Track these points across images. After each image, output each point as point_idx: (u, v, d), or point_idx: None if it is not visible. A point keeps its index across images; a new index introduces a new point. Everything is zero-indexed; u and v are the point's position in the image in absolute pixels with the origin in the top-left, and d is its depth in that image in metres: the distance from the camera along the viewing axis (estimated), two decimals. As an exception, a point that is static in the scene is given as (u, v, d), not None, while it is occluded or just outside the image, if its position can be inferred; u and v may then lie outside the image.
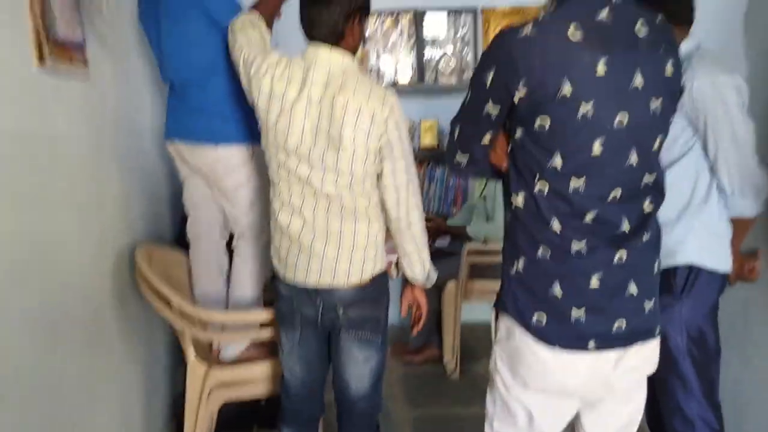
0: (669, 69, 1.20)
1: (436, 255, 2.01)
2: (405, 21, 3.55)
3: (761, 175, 1.57)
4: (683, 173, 1.61)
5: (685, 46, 1.61)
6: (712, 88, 1.52)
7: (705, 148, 1.59)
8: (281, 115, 1.61)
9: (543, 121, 1.17)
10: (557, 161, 1.18)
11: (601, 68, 1.13)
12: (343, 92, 1.56)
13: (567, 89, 1.13)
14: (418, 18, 3.53)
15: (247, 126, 2.04)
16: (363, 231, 1.67)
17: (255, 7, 1.89)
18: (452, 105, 3.73)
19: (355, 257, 1.67)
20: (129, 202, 2.24)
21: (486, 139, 1.31)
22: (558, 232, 1.22)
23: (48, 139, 1.72)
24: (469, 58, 3.56)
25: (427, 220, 3.35)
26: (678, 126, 1.57)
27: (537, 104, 1.17)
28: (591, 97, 1.13)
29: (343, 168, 1.59)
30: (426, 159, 3.62)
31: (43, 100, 1.69)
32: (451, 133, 1.39)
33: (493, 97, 1.23)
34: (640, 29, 1.17)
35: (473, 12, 3.53)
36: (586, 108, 1.14)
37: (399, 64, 3.54)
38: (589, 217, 1.21)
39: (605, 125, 1.16)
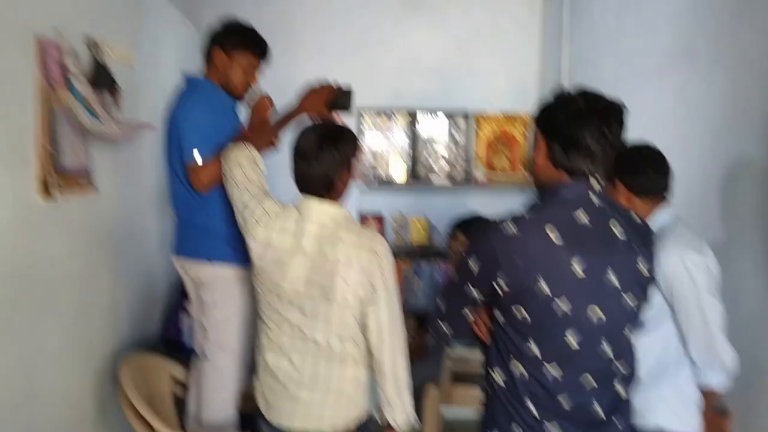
0: (642, 266, 1.32)
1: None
2: (400, 120, 3.69)
3: (729, 353, 1.61)
4: (655, 340, 1.66)
5: (661, 218, 1.70)
6: (684, 267, 1.59)
7: (674, 318, 1.65)
8: (276, 265, 1.67)
9: (521, 312, 1.28)
10: (534, 348, 1.29)
11: (577, 267, 1.24)
12: (334, 244, 1.63)
13: (544, 286, 1.24)
14: (412, 118, 3.68)
15: (238, 248, 2.09)
16: (351, 376, 1.69)
17: (247, 138, 1.97)
18: (443, 203, 3.85)
19: (341, 403, 1.68)
20: (118, 310, 2.30)
21: (470, 315, 1.42)
22: (533, 414, 1.30)
23: (46, 260, 1.79)
24: (461, 159, 3.69)
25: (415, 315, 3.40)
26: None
27: (516, 297, 1.28)
28: (566, 294, 1.24)
29: (333, 317, 1.64)
30: (415, 255, 3.69)
31: (46, 228, 1.78)
32: (437, 306, 1.49)
33: (476, 284, 1.35)
34: (616, 229, 1.29)
35: (466, 116, 3.68)
36: (561, 304, 1.24)
37: (392, 162, 3.66)
38: (563, 402, 1.29)
39: (580, 319, 1.26)
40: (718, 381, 1.67)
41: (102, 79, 2.00)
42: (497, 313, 1.35)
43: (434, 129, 3.70)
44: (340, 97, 2.09)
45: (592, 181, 1.31)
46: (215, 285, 2.10)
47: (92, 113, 1.88)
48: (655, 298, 1.64)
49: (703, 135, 2.03)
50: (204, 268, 2.10)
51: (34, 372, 1.74)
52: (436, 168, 3.69)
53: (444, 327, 1.47)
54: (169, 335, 2.65)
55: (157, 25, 2.70)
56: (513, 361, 1.32)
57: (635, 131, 2.29)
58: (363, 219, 3.66)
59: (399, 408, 1.69)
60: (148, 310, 2.61)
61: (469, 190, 3.74)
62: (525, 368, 1.30)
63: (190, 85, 2.15)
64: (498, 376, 1.35)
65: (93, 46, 2.00)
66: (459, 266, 1.40)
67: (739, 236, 1.83)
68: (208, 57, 2.16)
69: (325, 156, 1.65)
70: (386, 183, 3.62)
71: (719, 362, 1.61)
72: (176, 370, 2.36)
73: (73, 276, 1.95)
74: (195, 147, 1.99)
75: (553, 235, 1.24)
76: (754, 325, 1.74)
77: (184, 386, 2.34)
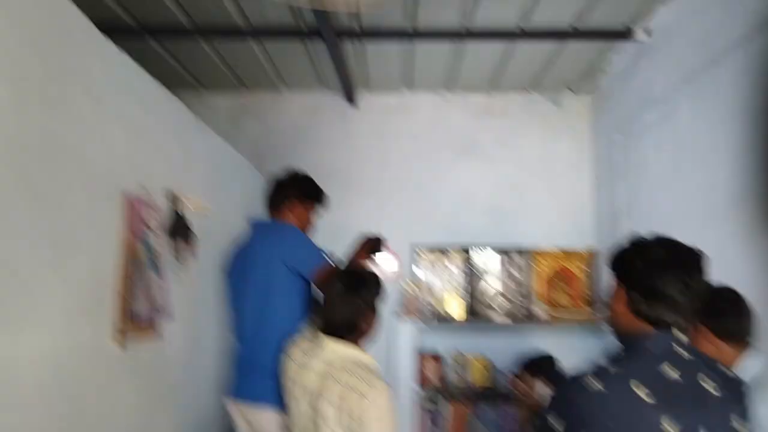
0: (737, 424, 1.22)
1: None
2: (457, 258, 3.71)
3: None
4: None
5: (752, 365, 1.61)
6: None
7: None
8: (290, 396, 1.79)
9: None
10: None
11: (668, 428, 1.15)
12: (329, 385, 1.67)
13: None
14: (470, 255, 3.69)
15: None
16: None
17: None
18: (503, 343, 3.74)
19: None
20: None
21: None
22: None
23: (109, 409, 1.79)
24: (520, 296, 3.63)
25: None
26: None
27: None
28: None
29: None
30: (476, 397, 3.53)
31: (117, 376, 1.80)
32: None
33: None
34: (707, 384, 1.21)
35: (523, 252, 3.68)
36: None
37: (449, 299, 3.62)
38: None
39: None
40: None
41: (179, 230, 2.12)
42: None
43: (491, 265, 3.70)
44: (376, 245, 2.42)
45: (676, 331, 1.26)
46: (270, 429, 2.06)
47: (156, 268, 1.97)
48: None
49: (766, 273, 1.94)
50: (266, 414, 2.06)
51: None
52: (494, 305, 3.63)
53: None
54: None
55: (230, 174, 2.88)
56: None
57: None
58: (421, 358, 3.57)
59: None
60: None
61: (530, 328, 3.63)
62: None
63: (276, 225, 2.33)
64: None
65: (172, 198, 2.14)
66: (539, 425, 1.31)
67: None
68: (280, 205, 2.34)
69: (348, 302, 1.77)
70: (444, 320, 3.56)
71: None
72: None
73: (135, 421, 1.93)
74: (322, 253, 2.22)
75: (642, 393, 1.17)
76: None
77: None
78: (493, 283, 3.69)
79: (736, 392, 1.27)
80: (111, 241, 1.78)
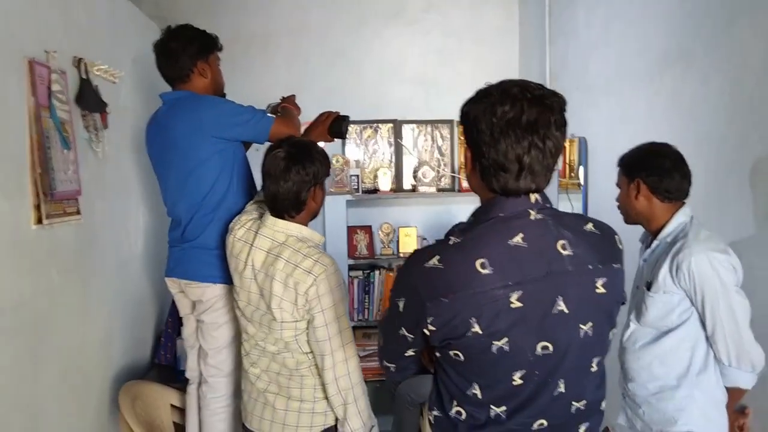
0: (602, 286, 1.11)
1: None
2: (384, 131, 3.67)
3: (756, 350, 1.62)
4: (681, 342, 1.66)
5: (680, 220, 1.71)
6: (710, 267, 1.58)
7: (702, 320, 1.65)
8: (235, 274, 1.76)
9: (457, 355, 1.10)
10: (476, 390, 1.11)
11: (515, 300, 1.04)
12: (274, 262, 1.65)
13: (477, 328, 1.05)
14: (397, 128, 3.66)
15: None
16: (309, 385, 1.71)
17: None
18: (431, 212, 3.83)
19: (303, 409, 1.72)
20: (112, 340, 2.21)
21: (409, 352, 1.23)
22: None
23: (41, 290, 1.71)
24: (445, 167, 3.68)
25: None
26: (675, 297, 1.65)
27: (448, 340, 1.09)
28: (505, 332, 1.05)
29: (278, 332, 1.67)
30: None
31: (39, 256, 1.70)
32: (378, 339, 1.33)
33: (405, 325, 1.16)
34: (564, 247, 1.09)
35: (449, 124, 3.68)
36: (500, 343, 1.06)
37: (378, 173, 3.62)
38: None
39: (525, 356, 1.07)
40: (746, 380, 1.67)
41: (88, 98, 1.93)
42: (436, 351, 1.16)
43: (417, 136, 3.69)
44: (338, 125, 2.19)
45: (533, 195, 1.11)
46: (216, 305, 2.03)
47: (66, 142, 1.80)
48: (682, 302, 1.64)
49: (698, 136, 2.04)
50: (205, 289, 2.02)
51: (34, 407, 1.66)
52: (422, 177, 3.66)
53: (387, 363, 1.29)
54: (162, 361, 2.55)
55: (140, 41, 2.62)
56: (453, 404, 1.15)
57: (627, 135, 2.31)
58: (351, 230, 3.62)
59: (355, 417, 1.68)
60: (140, 336, 2.52)
61: (455, 197, 3.72)
62: (467, 411, 1.13)
63: (187, 96, 2.07)
64: (438, 414, 1.18)
65: (78, 64, 1.93)
66: (390, 303, 1.19)
67: (745, 233, 1.84)
68: (189, 73, 2.09)
69: (294, 176, 1.67)
70: (372, 193, 3.57)
71: (748, 361, 1.62)
72: (173, 396, 2.27)
73: (67, 306, 1.86)
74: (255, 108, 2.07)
75: (484, 267, 1.04)
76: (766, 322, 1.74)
77: (182, 412, 2.26)
78: (420, 155, 3.70)
79: (604, 250, 1.15)
80: (17, 112, 1.61)
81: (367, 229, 3.66)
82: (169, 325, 2.57)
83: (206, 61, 2.12)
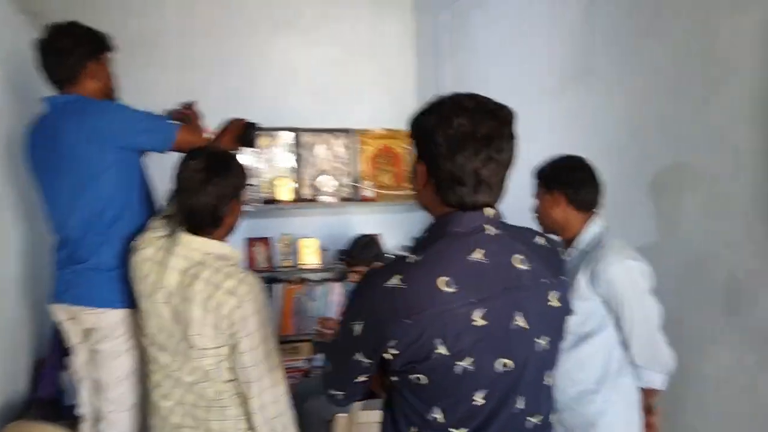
0: (555, 299, 1.12)
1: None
2: (284, 140, 3.57)
3: (668, 351, 1.74)
4: (599, 347, 1.74)
5: (592, 230, 1.79)
6: (626, 274, 1.68)
7: (618, 325, 1.73)
8: (142, 299, 1.62)
9: (418, 379, 1.07)
10: (437, 414, 1.08)
11: (478, 318, 1.03)
12: (194, 285, 1.51)
13: (442, 349, 1.02)
14: (297, 137, 3.57)
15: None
16: (231, 416, 1.57)
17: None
18: (331, 223, 3.80)
19: None
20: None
21: (361, 378, 1.16)
22: None
23: None
24: (346, 177, 3.65)
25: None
26: (593, 303, 1.72)
27: (412, 363, 1.05)
28: (468, 351, 1.03)
29: (196, 360, 1.53)
30: (306, 278, 3.58)
31: None
32: (324, 367, 1.24)
33: (363, 350, 1.09)
34: (520, 262, 1.09)
35: (349, 131, 3.65)
36: (464, 363, 1.03)
37: (276, 182, 3.50)
38: None
39: (487, 375, 1.06)
40: (658, 380, 1.78)
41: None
42: (393, 377, 1.11)
43: (317, 146, 3.63)
44: (247, 133, 2.06)
45: (487, 210, 1.11)
46: (116, 333, 1.84)
47: None
48: (599, 308, 1.72)
49: (601, 148, 2.13)
50: (102, 315, 1.82)
51: None
52: (321, 186, 3.60)
53: (333, 391, 1.21)
54: (44, 395, 2.27)
55: (12, 39, 2.33)
56: (412, 430, 1.11)
57: (529, 154, 2.40)
58: (250, 242, 3.47)
59: None
60: (14, 368, 2.22)
61: (356, 208, 3.70)
62: None
63: (79, 100, 1.86)
64: None
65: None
66: (341, 329, 1.13)
67: (649, 239, 1.97)
68: (77, 75, 1.88)
69: (212, 189, 1.54)
70: (271, 203, 3.45)
71: (661, 362, 1.73)
72: (61, 436, 2.02)
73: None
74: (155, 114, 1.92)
75: (443, 282, 1.02)
76: (672, 326, 1.85)
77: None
78: (319, 165, 3.64)
79: (552, 262, 1.16)
80: None
81: (266, 241, 3.54)
82: (51, 357, 2.29)
83: (98, 62, 1.92)
